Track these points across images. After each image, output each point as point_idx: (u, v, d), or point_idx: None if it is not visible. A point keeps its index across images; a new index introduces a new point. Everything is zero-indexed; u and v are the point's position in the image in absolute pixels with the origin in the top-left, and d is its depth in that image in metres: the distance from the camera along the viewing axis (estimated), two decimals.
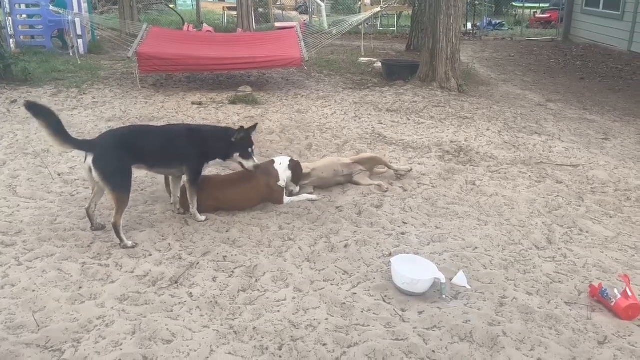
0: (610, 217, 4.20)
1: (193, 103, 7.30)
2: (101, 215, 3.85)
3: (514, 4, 22.15)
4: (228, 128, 4.06)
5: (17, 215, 3.90)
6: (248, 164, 3.91)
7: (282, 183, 4.16)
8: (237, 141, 3.84)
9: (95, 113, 6.70)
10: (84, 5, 11.31)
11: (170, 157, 3.80)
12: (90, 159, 3.44)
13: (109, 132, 4.01)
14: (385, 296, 3.07)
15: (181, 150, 3.79)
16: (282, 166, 4.20)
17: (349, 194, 4.45)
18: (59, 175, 4.69)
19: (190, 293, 3.04)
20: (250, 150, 3.91)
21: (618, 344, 2.73)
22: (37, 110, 3.33)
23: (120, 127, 3.72)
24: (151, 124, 3.89)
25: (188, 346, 2.61)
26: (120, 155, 3.54)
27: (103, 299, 2.96)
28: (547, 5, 20.34)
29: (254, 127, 4.04)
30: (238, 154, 3.88)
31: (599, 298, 3.04)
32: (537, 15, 19.58)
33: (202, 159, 3.86)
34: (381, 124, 6.53)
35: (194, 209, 3.89)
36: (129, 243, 3.52)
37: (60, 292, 3.01)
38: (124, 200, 3.52)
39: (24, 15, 11.47)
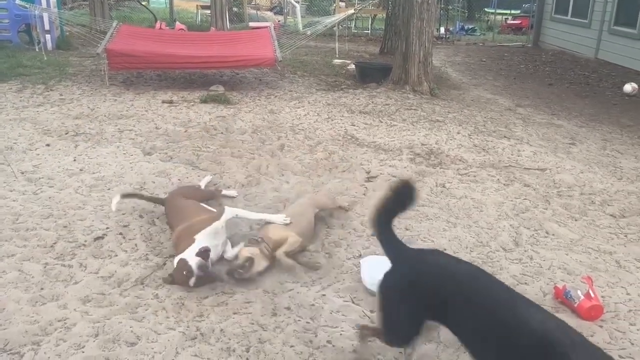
0: (575, 220, 4.29)
1: (164, 101, 7.19)
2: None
3: (486, 9, 22.52)
4: None
5: None
6: None
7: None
8: None
9: (62, 110, 6.54)
10: (53, 0, 11.05)
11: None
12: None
13: (415, 256, 2.46)
14: (355, 297, 3.07)
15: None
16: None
17: None
18: (22, 173, 4.56)
19: (156, 294, 2.99)
20: None
21: None
22: (401, 190, 2.45)
23: (433, 251, 2.64)
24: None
25: (153, 348, 2.56)
26: (404, 299, 2.24)
27: (65, 301, 2.89)
28: (517, 11, 20.74)
29: None
30: None
31: (563, 299, 3.10)
32: (509, 22, 19.95)
33: None
34: (354, 125, 6.54)
35: None
36: None
37: (20, 293, 2.93)
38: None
39: None
